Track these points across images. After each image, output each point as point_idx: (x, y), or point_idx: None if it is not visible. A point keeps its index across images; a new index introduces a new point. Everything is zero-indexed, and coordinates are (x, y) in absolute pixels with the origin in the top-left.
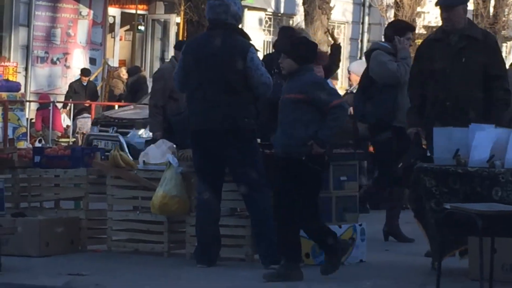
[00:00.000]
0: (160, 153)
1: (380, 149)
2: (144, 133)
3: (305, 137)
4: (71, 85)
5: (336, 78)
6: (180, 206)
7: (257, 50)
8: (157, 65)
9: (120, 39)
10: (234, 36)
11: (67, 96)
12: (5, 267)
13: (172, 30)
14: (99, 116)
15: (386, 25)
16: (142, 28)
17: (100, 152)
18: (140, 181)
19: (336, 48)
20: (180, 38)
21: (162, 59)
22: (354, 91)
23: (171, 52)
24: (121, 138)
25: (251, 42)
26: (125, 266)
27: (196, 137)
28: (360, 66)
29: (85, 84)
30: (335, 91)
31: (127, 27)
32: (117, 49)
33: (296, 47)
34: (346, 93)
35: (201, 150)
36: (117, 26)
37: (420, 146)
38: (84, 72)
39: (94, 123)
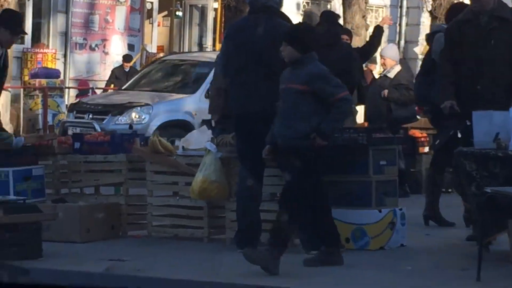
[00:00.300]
0: (202, 138)
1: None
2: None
3: (306, 130)
4: (113, 71)
5: (375, 62)
6: (219, 192)
7: None
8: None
9: (158, 25)
10: (275, 19)
11: (109, 82)
12: (46, 252)
13: (210, 16)
14: (75, 102)
15: (448, 8)
16: (180, 13)
17: (139, 138)
18: (180, 166)
19: (379, 30)
20: (218, 24)
21: (200, 44)
22: (388, 74)
23: (209, 38)
24: (96, 125)
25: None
26: (165, 251)
27: (238, 122)
28: (393, 50)
29: (127, 70)
30: (339, 83)
31: (165, 13)
32: (155, 35)
33: (296, 35)
34: (380, 77)
35: (243, 135)
36: (155, 12)
37: (458, 117)
38: (126, 58)
39: (70, 110)
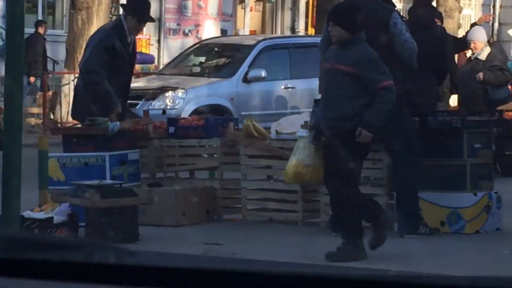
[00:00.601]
0: (296, 122)
1: None
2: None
3: (349, 111)
4: None
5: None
6: (314, 176)
7: (401, 17)
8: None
9: (251, 10)
10: (377, 3)
11: None
12: (142, 236)
13: (302, 0)
14: None
15: None
16: None
17: (233, 122)
18: (273, 150)
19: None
20: (310, 8)
21: (292, 29)
22: (479, 57)
23: (301, 22)
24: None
25: (395, 8)
26: (260, 235)
27: None
28: (480, 32)
29: None
30: (386, 71)
31: None
32: (248, 20)
33: (345, 14)
34: (470, 60)
35: None
36: None
37: None
38: None
39: None
